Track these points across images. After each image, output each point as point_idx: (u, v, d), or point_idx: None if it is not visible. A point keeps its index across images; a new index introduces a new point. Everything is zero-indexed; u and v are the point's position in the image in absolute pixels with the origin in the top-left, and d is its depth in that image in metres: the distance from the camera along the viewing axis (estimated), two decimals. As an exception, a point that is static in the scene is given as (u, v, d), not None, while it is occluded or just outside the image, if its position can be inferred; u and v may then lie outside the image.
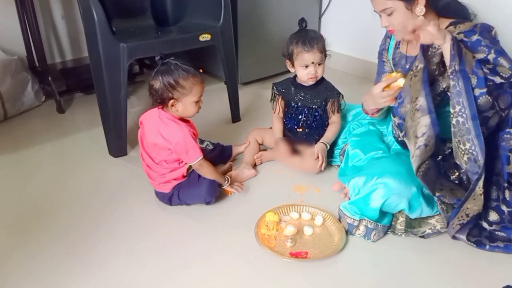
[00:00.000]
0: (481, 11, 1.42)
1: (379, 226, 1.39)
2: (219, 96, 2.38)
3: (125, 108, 1.79)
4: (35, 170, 1.82)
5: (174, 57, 1.48)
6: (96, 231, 1.45)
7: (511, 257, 1.34)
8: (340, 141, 1.80)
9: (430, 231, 1.40)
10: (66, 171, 1.80)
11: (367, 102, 1.57)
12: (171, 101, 1.46)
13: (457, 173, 1.39)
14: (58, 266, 1.30)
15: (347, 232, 1.43)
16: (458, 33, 1.34)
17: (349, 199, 1.48)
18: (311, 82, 1.74)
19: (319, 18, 2.91)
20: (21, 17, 2.27)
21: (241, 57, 2.51)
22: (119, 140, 1.86)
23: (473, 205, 1.27)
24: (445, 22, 1.41)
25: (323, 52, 1.69)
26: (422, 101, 1.28)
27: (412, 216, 1.40)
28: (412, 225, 1.42)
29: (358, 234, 1.41)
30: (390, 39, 1.63)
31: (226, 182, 1.61)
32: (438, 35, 1.24)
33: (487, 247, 1.34)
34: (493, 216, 1.36)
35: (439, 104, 1.36)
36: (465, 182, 1.36)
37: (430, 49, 1.37)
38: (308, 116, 1.79)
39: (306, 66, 1.69)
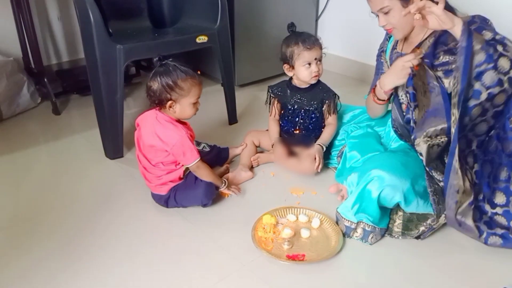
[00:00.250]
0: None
1: (377, 228, 1.39)
2: (216, 98, 2.38)
3: (121, 110, 1.79)
4: (31, 172, 1.81)
5: (172, 58, 1.47)
6: (91, 233, 1.44)
7: (510, 259, 1.34)
8: (337, 142, 1.81)
9: (424, 228, 1.40)
10: (62, 173, 1.79)
11: (384, 82, 1.51)
12: (169, 102, 1.46)
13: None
14: (51, 268, 1.29)
15: (345, 235, 1.43)
16: None
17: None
18: (314, 81, 1.74)
19: (316, 21, 2.92)
20: (17, 18, 2.26)
21: (238, 59, 2.52)
22: (115, 142, 1.86)
23: (461, 186, 1.29)
24: None
25: (322, 49, 1.71)
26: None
27: (408, 210, 1.40)
28: (409, 228, 1.42)
29: (356, 236, 1.41)
30: (389, 41, 1.64)
31: (223, 184, 1.61)
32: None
33: (485, 234, 1.34)
34: (499, 198, 1.36)
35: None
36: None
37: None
38: (305, 118, 1.79)
39: (309, 65, 1.69)
